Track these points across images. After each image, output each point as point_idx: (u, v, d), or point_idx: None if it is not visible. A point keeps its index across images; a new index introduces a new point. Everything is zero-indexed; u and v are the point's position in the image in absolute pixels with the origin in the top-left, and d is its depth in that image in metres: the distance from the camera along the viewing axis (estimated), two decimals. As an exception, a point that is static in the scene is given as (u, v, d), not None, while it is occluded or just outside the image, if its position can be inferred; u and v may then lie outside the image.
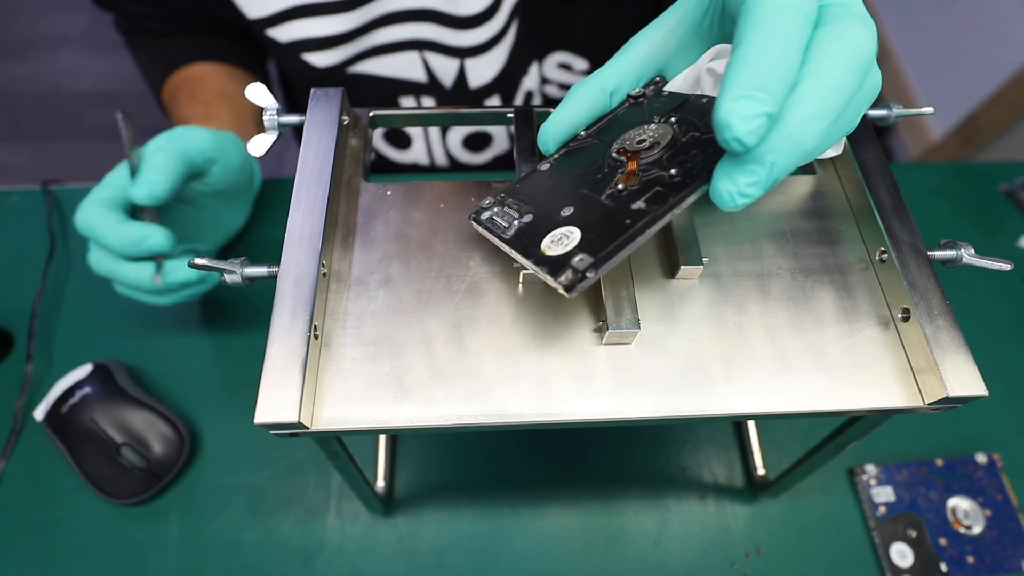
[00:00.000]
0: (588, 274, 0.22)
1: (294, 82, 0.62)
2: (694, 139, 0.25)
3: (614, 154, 0.27)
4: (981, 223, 0.60)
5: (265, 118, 0.33)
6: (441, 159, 0.66)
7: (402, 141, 0.65)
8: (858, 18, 0.23)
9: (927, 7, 1.50)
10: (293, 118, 0.34)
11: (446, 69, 0.57)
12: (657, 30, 0.28)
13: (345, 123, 0.34)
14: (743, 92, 0.20)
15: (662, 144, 0.25)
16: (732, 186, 0.22)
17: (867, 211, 0.31)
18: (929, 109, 0.30)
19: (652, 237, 0.29)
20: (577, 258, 0.23)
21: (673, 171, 0.24)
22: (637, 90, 0.29)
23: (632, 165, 0.25)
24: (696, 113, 0.26)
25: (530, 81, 0.60)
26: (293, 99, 0.70)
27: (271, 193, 0.59)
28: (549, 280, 0.23)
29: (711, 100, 0.26)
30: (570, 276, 0.22)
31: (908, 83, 1.57)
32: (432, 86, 0.58)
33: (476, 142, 0.65)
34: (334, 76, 0.57)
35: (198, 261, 0.29)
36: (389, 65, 0.56)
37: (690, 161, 0.24)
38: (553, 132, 0.29)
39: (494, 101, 0.61)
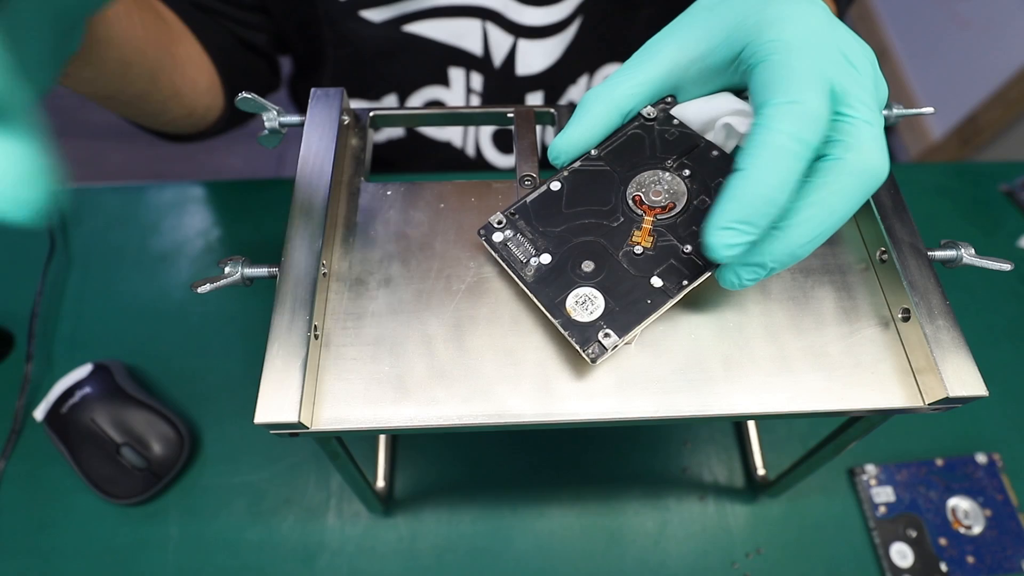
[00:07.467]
0: (612, 350, 0.26)
1: (345, 47, 0.57)
2: (705, 205, 0.28)
3: (630, 201, 0.29)
4: (981, 223, 0.60)
5: (266, 122, 0.33)
6: (471, 148, 0.65)
7: None
8: (873, 141, 0.24)
9: (927, 7, 1.50)
10: (294, 118, 0.34)
11: (500, 45, 0.55)
12: (681, 53, 0.28)
13: (345, 123, 0.34)
14: (729, 223, 0.23)
15: (677, 208, 0.29)
16: (736, 278, 0.26)
17: (867, 211, 0.31)
18: (929, 109, 0.30)
19: None
20: (603, 333, 0.26)
21: (688, 248, 0.27)
22: (648, 109, 0.30)
23: (647, 224, 0.28)
24: (707, 169, 0.29)
25: (577, 93, 0.59)
26: (319, 79, 0.62)
27: (271, 193, 0.59)
28: (576, 346, 0.26)
29: (722, 155, 0.29)
30: (597, 350, 0.26)
31: (908, 83, 1.57)
32: (484, 62, 0.56)
33: (503, 140, 0.64)
34: (389, 35, 0.54)
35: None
36: (447, 29, 0.54)
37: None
38: (566, 149, 0.30)
39: (536, 99, 0.59)
